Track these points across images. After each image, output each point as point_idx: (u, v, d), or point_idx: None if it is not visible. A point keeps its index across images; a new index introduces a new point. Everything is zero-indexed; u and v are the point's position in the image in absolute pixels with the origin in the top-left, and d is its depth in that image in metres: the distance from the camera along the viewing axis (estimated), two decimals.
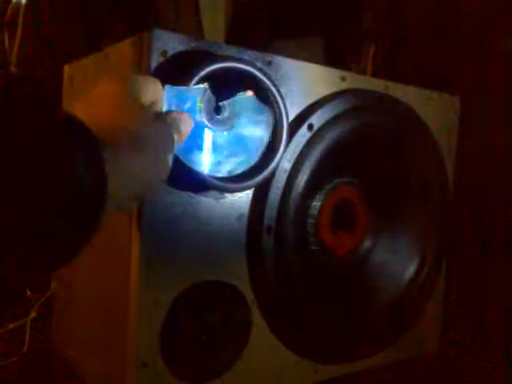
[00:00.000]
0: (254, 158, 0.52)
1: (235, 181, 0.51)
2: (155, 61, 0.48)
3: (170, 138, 0.40)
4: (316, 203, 0.64)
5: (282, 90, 0.54)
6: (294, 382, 0.61)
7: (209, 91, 0.48)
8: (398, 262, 0.69)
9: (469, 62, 0.88)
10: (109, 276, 0.55)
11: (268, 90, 0.52)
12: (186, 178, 0.48)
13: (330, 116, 0.59)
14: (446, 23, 0.93)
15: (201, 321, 0.53)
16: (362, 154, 0.65)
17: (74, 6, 0.97)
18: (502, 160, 0.85)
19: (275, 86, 0.53)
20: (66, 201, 0.30)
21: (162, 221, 0.50)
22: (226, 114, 0.50)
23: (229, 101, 0.50)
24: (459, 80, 0.87)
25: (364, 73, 0.97)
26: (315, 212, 0.64)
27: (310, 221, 0.64)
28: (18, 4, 0.89)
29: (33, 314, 0.73)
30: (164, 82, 0.46)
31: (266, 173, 0.53)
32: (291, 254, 0.57)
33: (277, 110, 0.53)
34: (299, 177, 0.56)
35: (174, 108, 0.45)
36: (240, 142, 0.51)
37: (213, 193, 0.52)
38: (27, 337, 0.69)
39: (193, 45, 0.50)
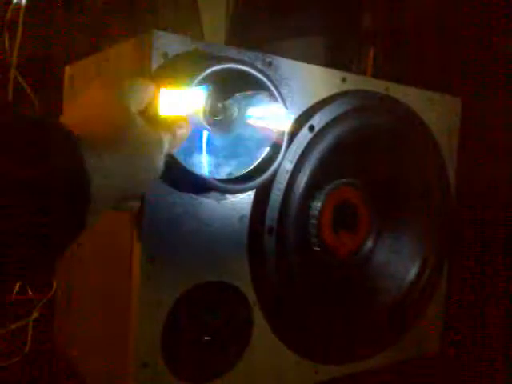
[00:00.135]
0: (255, 160, 0.52)
1: (237, 182, 0.51)
2: (156, 62, 0.48)
3: (160, 142, 0.40)
4: (317, 204, 0.64)
5: (283, 91, 0.54)
6: (295, 383, 0.61)
7: (208, 93, 0.48)
8: (400, 262, 0.70)
9: (469, 63, 0.88)
10: (110, 276, 0.55)
11: (268, 91, 0.52)
12: (188, 179, 0.49)
13: (330, 117, 0.59)
14: (446, 23, 0.93)
15: (202, 321, 0.53)
16: (364, 154, 0.65)
17: (74, 6, 0.97)
18: (502, 160, 0.85)
19: (275, 87, 0.53)
20: (37, 200, 0.30)
21: (164, 221, 0.50)
22: (225, 115, 0.50)
23: (228, 102, 0.50)
24: (459, 81, 0.87)
25: (364, 74, 0.97)
26: (317, 213, 0.64)
27: (312, 221, 0.64)
28: (19, 5, 0.89)
29: (35, 315, 0.73)
30: (165, 84, 0.46)
31: (268, 174, 0.53)
32: (293, 254, 0.57)
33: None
34: (300, 178, 0.57)
35: (171, 111, 0.45)
36: (240, 144, 0.51)
37: (214, 194, 0.52)
38: (29, 337, 0.69)
39: (193, 46, 0.50)
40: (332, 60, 1.01)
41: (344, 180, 0.67)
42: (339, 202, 0.66)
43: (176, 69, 0.49)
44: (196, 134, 0.47)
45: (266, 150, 0.52)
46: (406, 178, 0.69)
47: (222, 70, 0.49)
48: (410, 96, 0.68)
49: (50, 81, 0.81)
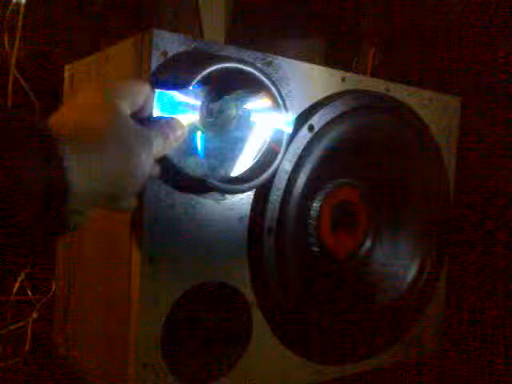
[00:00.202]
0: (251, 161, 0.51)
1: (236, 182, 0.51)
2: (155, 61, 0.48)
3: (150, 143, 0.40)
4: (317, 204, 0.64)
5: (283, 91, 0.54)
6: (295, 383, 0.61)
7: (203, 94, 0.48)
8: (399, 262, 0.69)
9: (469, 63, 0.88)
10: (110, 277, 0.55)
11: (268, 90, 0.52)
12: (187, 180, 0.48)
13: (330, 117, 0.59)
14: (445, 23, 0.92)
15: (202, 322, 0.53)
16: (363, 154, 0.65)
17: (74, 5, 0.97)
18: (501, 160, 0.85)
19: (275, 86, 0.53)
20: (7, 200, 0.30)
21: (163, 222, 0.50)
22: (220, 116, 0.49)
23: (224, 103, 0.49)
24: (459, 80, 0.87)
25: (364, 73, 0.97)
26: (316, 213, 0.64)
27: (311, 222, 0.64)
28: (18, 4, 0.89)
29: (34, 315, 0.73)
30: (164, 83, 0.46)
31: (267, 174, 0.53)
32: (292, 254, 0.57)
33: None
34: (300, 178, 0.56)
35: (165, 112, 0.44)
36: (235, 146, 0.50)
37: (214, 194, 0.52)
38: (28, 338, 0.69)
39: (193, 45, 0.50)
40: (332, 59, 1.00)
41: (343, 180, 0.67)
42: (339, 203, 0.66)
43: (175, 68, 0.48)
44: (191, 135, 0.47)
45: (262, 152, 0.52)
46: (405, 178, 0.69)
47: (222, 69, 0.49)
48: (409, 95, 0.68)
49: (49, 80, 0.81)
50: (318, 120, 0.58)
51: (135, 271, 0.49)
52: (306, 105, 0.59)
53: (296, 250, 0.58)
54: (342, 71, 0.62)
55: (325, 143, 0.58)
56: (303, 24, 1.01)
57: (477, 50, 0.88)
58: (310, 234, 0.63)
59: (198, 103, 0.47)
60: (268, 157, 0.53)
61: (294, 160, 0.56)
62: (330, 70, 0.61)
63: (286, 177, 0.56)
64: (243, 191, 0.53)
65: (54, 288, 0.74)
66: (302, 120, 0.57)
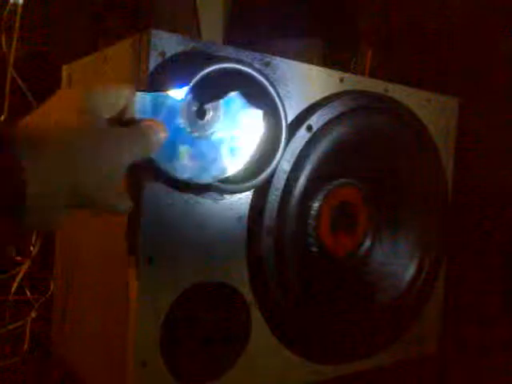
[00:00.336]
0: (242, 162, 0.50)
1: (235, 182, 0.51)
2: (153, 61, 0.48)
3: (123, 145, 0.40)
4: (316, 204, 0.64)
5: (281, 91, 0.54)
6: (294, 383, 0.61)
7: (189, 96, 0.47)
8: (398, 262, 0.70)
9: (468, 63, 0.88)
10: (109, 276, 0.55)
11: (266, 91, 0.52)
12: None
13: (329, 117, 0.59)
14: (444, 23, 0.93)
15: (200, 322, 0.53)
16: (362, 154, 0.65)
17: (72, 5, 0.97)
18: (501, 161, 0.85)
19: (274, 87, 0.53)
20: None
21: (162, 221, 0.50)
22: (209, 117, 0.49)
23: (212, 104, 0.49)
24: (458, 81, 0.87)
25: (362, 74, 0.98)
26: (315, 213, 0.64)
27: (310, 222, 0.64)
28: (16, 4, 0.88)
29: (33, 315, 0.73)
30: (162, 83, 0.46)
31: (266, 174, 0.53)
32: (291, 254, 0.57)
33: (275, 111, 0.53)
34: (299, 178, 0.57)
35: (148, 115, 0.44)
36: (224, 147, 0.49)
37: (212, 194, 0.52)
38: (27, 337, 0.69)
39: (191, 45, 0.50)
40: (330, 60, 1.01)
41: (342, 180, 0.67)
42: (337, 203, 0.66)
43: (173, 68, 0.48)
44: (176, 138, 0.46)
45: (252, 152, 0.51)
46: (404, 178, 0.69)
47: (220, 69, 0.49)
48: (407, 96, 0.68)
49: (47, 80, 0.81)
50: (316, 120, 0.58)
51: (133, 271, 0.49)
52: (305, 105, 0.59)
53: (295, 249, 0.58)
54: (340, 72, 0.62)
55: (323, 143, 0.58)
56: (301, 24, 1.01)
57: (476, 50, 0.88)
58: (309, 234, 0.64)
59: (181, 106, 0.46)
60: (266, 157, 0.53)
61: (292, 160, 0.56)
62: (329, 71, 0.61)
63: (285, 177, 0.56)
64: (242, 191, 0.53)
65: (52, 288, 0.74)
66: (300, 120, 0.57)
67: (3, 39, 0.87)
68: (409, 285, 0.69)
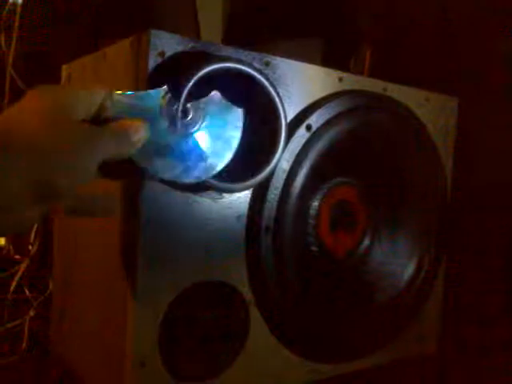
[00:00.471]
0: (225, 161, 0.49)
1: (234, 181, 0.51)
2: (153, 61, 0.48)
3: (95, 141, 0.39)
4: (315, 203, 0.64)
5: (280, 91, 0.54)
6: (293, 381, 0.61)
7: (169, 94, 0.46)
8: (397, 261, 0.70)
9: (468, 62, 0.89)
10: (107, 275, 0.55)
11: (266, 90, 0.52)
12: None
13: (328, 116, 0.59)
14: (443, 22, 0.93)
15: (199, 321, 0.53)
16: (361, 154, 0.66)
17: (72, 4, 0.97)
18: (500, 161, 0.85)
19: (273, 86, 0.53)
20: None
21: (160, 220, 0.50)
22: (190, 117, 0.47)
23: (194, 103, 0.47)
24: (458, 80, 0.87)
25: (361, 73, 0.98)
26: (314, 212, 0.64)
27: (309, 221, 0.64)
28: (15, 4, 0.89)
29: (31, 314, 0.73)
30: (161, 83, 0.46)
31: (265, 173, 0.53)
32: (290, 253, 0.57)
33: (275, 110, 0.53)
34: (298, 177, 0.57)
35: (126, 115, 0.43)
36: (208, 146, 0.48)
37: (211, 193, 0.52)
38: (25, 336, 0.69)
39: (190, 45, 0.50)
40: (329, 60, 1.01)
41: (341, 179, 0.67)
42: (337, 202, 0.66)
43: (173, 68, 0.49)
44: (157, 137, 0.45)
45: (234, 151, 0.50)
46: (403, 177, 0.70)
47: (220, 69, 0.49)
48: (407, 95, 0.68)
49: (46, 80, 0.81)
50: (315, 120, 0.58)
51: (132, 271, 0.49)
52: (304, 105, 0.59)
53: (294, 248, 0.58)
54: (339, 71, 0.62)
55: (322, 143, 0.58)
56: (301, 24, 1.01)
57: (476, 50, 0.88)
58: (309, 233, 0.64)
59: (158, 105, 0.45)
60: (266, 156, 0.53)
61: (291, 159, 0.56)
62: (328, 70, 0.61)
63: (284, 176, 0.56)
64: (241, 190, 0.54)
65: (51, 286, 0.74)
66: (299, 120, 0.58)
67: (2, 39, 0.87)
68: (408, 284, 0.69)
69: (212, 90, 0.49)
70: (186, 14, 1.02)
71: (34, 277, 0.80)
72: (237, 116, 0.50)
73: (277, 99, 0.53)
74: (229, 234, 0.54)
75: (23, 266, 0.79)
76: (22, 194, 0.35)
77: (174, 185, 0.50)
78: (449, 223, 0.73)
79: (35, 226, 0.81)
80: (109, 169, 0.41)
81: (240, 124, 0.50)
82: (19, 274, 0.78)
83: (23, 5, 0.89)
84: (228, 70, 0.50)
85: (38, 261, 0.81)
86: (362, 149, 0.65)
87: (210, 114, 0.48)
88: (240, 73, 0.50)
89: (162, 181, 0.48)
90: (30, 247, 0.81)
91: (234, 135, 0.49)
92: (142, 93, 0.44)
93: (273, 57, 0.56)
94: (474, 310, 0.83)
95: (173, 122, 0.46)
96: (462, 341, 0.77)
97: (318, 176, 0.60)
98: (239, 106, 0.50)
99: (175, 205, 0.51)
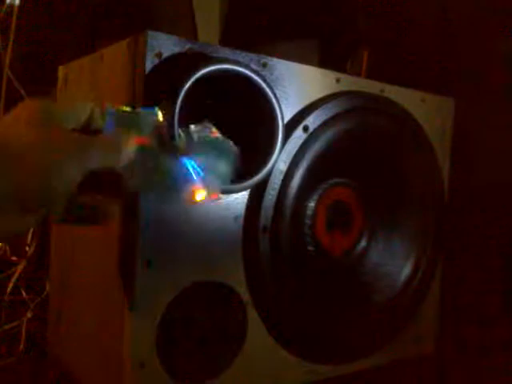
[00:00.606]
0: (213, 192, 0.46)
1: (231, 182, 0.51)
2: (150, 62, 0.48)
3: (81, 151, 0.39)
4: (312, 204, 0.64)
5: (277, 92, 0.54)
6: (291, 383, 0.61)
7: (163, 115, 0.45)
8: (393, 262, 0.70)
9: (468, 62, 0.89)
10: (105, 277, 0.55)
11: (263, 91, 0.52)
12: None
13: (325, 117, 0.59)
14: (441, 24, 0.93)
15: (197, 321, 0.53)
16: (358, 155, 0.66)
17: (70, 6, 0.97)
18: (500, 161, 0.85)
19: (270, 87, 0.53)
20: None
21: (159, 222, 0.50)
22: (181, 141, 0.46)
23: (184, 129, 0.46)
24: (458, 80, 0.87)
25: (359, 75, 0.98)
26: (311, 212, 0.64)
27: (306, 221, 0.64)
28: (12, 5, 0.88)
29: (28, 315, 0.73)
30: (159, 84, 0.46)
31: (262, 174, 0.53)
32: (287, 254, 0.57)
33: (272, 111, 0.53)
34: (295, 178, 0.57)
35: (116, 127, 0.42)
36: (197, 174, 0.45)
37: None
38: (23, 337, 0.69)
39: (188, 46, 0.51)
40: (327, 61, 1.01)
41: (338, 180, 0.67)
42: (333, 202, 0.66)
43: (170, 69, 0.49)
44: (149, 155, 0.45)
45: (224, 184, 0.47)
46: (400, 178, 0.70)
47: (217, 70, 0.49)
48: (403, 96, 0.68)
49: (43, 81, 0.81)
50: (312, 121, 0.58)
51: (130, 271, 0.49)
52: (301, 106, 0.59)
53: (291, 249, 0.58)
54: (336, 72, 0.62)
55: (319, 144, 0.58)
56: (298, 25, 1.01)
57: (476, 50, 0.88)
58: (306, 234, 0.64)
59: (155, 125, 0.44)
60: (263, 157, 0.53)
61: (288, 160, 0.57)
62: (325, 72, 0.61)
63: (281, 177, 0.56)
64: (238, 191, 0.54)
65: (48, 288, 0.74)
66: (296, 121, 0.58)
67: None
68: (404, 285, 0.69)
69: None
70: (183, 15, 1.02)
71: (31, 278, 0.80)
72: (230, 151, 0.47)
73: (274, 100, 0.53)
74: (226, 234, 0.54)
75: (20, 268, 0.79)
76: (12, 200, 0.36)
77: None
78: (446, 224, 0.73)
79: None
80: (97, 180, 0.41)
81: (232, 160, 0.47)
82: (16, 275, 0.78)
83: (20, 6, 0.89)
84: (225, 71, 0.50)
85: (35, 262, 0.81)
86: (359, 150, 0.65)
87: (201, 144, 0.47)
88: (237, 74, 0.50)
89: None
90: (27, 248, 0.81)
91: (225, 171, 0.47)
92: (136, 109, 0.44)
93: (270, 58, 0.56)
94: (473, 310, 0.83)
95: (163, 142, 0.46)
96: (462, 341, 0.77)
97: (315, 177, 0.60)
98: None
99: (173, 206, 0.51)
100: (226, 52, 0.53)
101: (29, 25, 0.91)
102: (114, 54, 0.55)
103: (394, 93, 0.67)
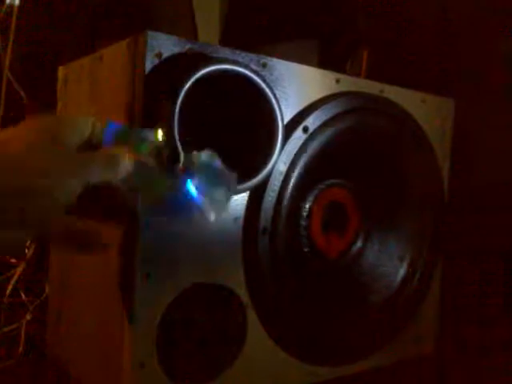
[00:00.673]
0: (210, 218, 0.46)
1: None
2: (150, 63, 0.48)
3: (82, 166, 0.40)
4: (310, 205, 0.64)
5: (277, 92, 0.54)
6: None
7: (163, 136, 0.45)
8: (390, 262, 0.70)
9: (468, 63, 0.89)
10: (105, 277, 0.55)
11: (263, 92, 0.52)
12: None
13: (325, 118, 0.59)
14: (441, 24, 0.93)
15: (196, 323, 0.53)
16: (357, 155, 0.66)
17: (70, 6, 0.97)
18: (500, 161, 0.85)
19: (270, 88, 0.53)
20: None
21: (159, 224, 0.50)
22: (180, 163, 0.45)
23: (186, 154, 0.46)
24: (458, 81, 0.87)
25: (358, 75, 0.98)
26: (306, 213, 0.64)
27: (304, 223, 0.64)
28: (12, 6, 0.88)
29: (28, 317, 0.73)
30: (158, 84, 0.45)
31: (262, 175, 0.53)
32: (285, 255, 0.57)
33: (272, 112, 0.53)
34: (295, 179, 0.57)
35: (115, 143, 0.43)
36: (195, 198, 0.45)
37: None
38: (22, 340, 0.69)
39: (187, 47, 0.50)
40: (326, 61, 1.01)
41: (337, 181, 0.67)
42: (331, 204, 0.66)
43: (170, 69, 0.48)
44: (148, 174, 0.44)
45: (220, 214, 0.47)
46: (399, 178, 0.69)
47: (217, 71, 0.49)
48: (403, 97, 0.68)
49: (43, 82, 0.81)
50: (312, 121, 0.58)
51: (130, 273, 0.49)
52: (301, 106, 0.59)
53: (291, 250, 0.58)
54: (336, 73, 0.62)
55: (319, 144, 0.58)
56: (298, 25, 1.01)
57: (476, 50, 0.88)
58: (301, 235, 0.64)
59: (155, 145, 0.44)
60: (263, 158, 0.53)
61: (288, 161, 0.56)
62: (325, 72, 0.61)
63: (281, 178, 0.56)
64: (238, 192, 0.53)
65: (47, 290, 0.74)
66: (296, 121, 0.57)
67: None
68: (401, 286, 0.69)
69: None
70: (183, 15, 1.02)
71: (31, 280, 0.80)
72: (230, 183, 0.46)
73: (274, 101, 0.53)
74: (226, 236, 0.54)
75: (19, 270, 0.79)
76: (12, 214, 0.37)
77: None
78: (445, 224, 0.73)
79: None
80: (96, 195, 0.42)
81: (230, 192, 0.47)
82: (15, 277, 0.78)
83: (20, 6, 0.88)
84: (225, 71, 0.50)
85: (34, 264, 0.81)
86: (359, 150, 0.65)
87: (201, 171, 0.45)
88: (237, 74, 0.50)
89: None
90: (26, 250, 0.81)
91: (222, 199, 0.46)
92: (137, 128, 0.45)
93: (270, 58, 0.56)
94: (473, 310, 0.83)
95: (162, 161, 0.45)
96: (462, 341, 0.77)
97: (314, 178, 0.60)
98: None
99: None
100: (225, 52, 0.53)
101: (29, 25, 0.91)
102: (114, 54, 0.55)
103: (394, 93, 0.67)
